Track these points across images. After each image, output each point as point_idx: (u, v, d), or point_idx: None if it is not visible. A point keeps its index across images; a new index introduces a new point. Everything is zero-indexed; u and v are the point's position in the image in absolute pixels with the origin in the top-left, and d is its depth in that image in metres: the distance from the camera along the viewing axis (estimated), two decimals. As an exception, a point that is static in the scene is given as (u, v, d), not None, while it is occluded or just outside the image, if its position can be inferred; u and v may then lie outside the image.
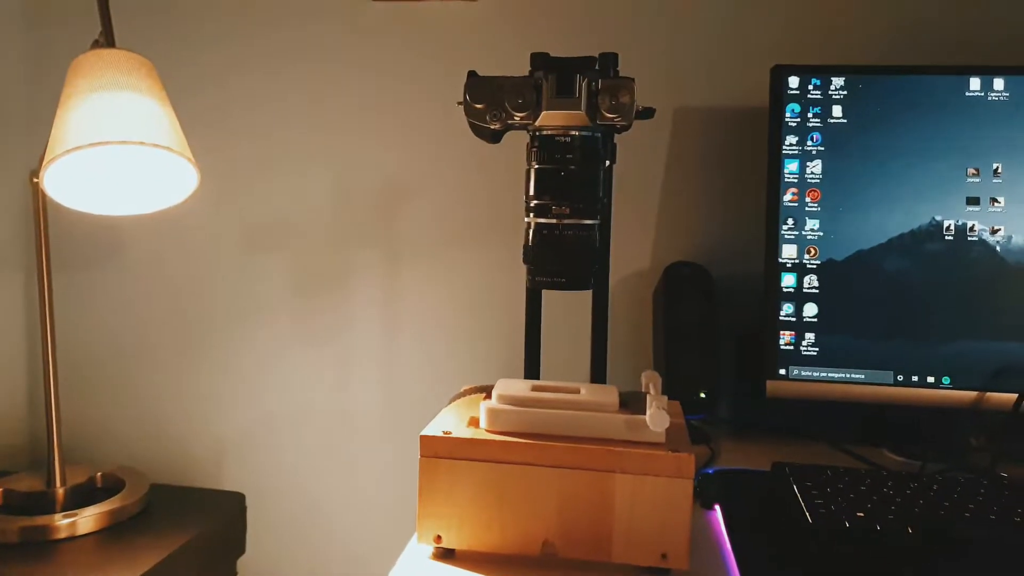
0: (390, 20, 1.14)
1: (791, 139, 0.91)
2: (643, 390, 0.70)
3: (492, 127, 0.68)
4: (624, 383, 0.73)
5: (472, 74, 0.68)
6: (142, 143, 0.86)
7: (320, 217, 1.18)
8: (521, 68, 0.70)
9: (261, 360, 1.21)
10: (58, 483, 1.05)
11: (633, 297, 1.11)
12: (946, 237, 0.89)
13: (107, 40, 0.94)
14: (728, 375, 1.03)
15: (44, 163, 0.88)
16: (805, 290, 0.91)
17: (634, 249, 1.11)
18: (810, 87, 0.91)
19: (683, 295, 1.00)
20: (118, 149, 0.88)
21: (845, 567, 0.64)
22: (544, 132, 0.67)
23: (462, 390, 0.78)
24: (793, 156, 0.91)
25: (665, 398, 0.67)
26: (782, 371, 0.91)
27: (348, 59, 1.16)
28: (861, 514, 0.69)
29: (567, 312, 0.84)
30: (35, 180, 0.99)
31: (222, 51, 1.19)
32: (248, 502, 1.14)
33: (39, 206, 1.03)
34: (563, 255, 0.68)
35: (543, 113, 0.66)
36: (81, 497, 1.05)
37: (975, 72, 0.89)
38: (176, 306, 1.22)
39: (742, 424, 1.02)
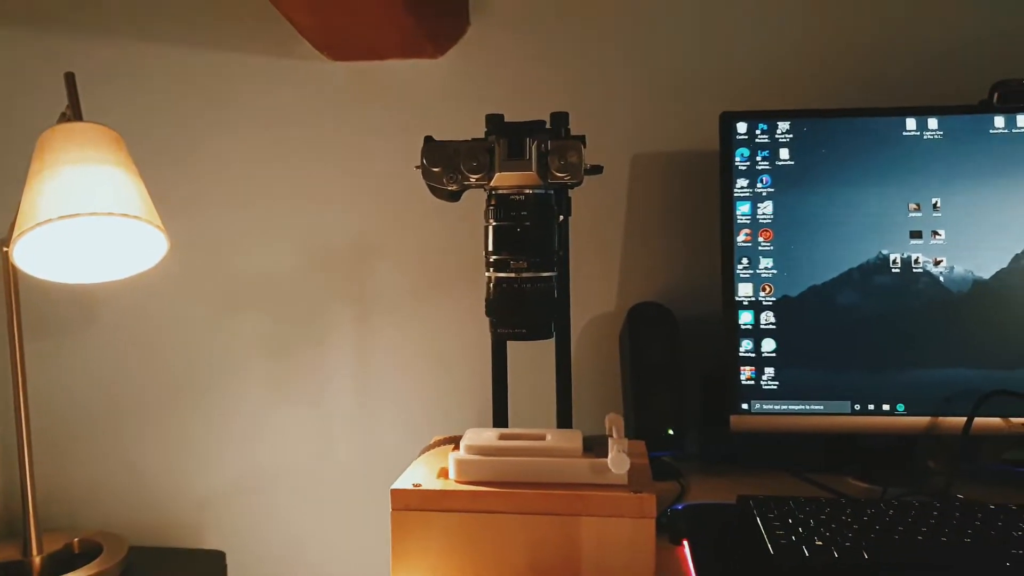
0: (352, 81, 1.17)
1: (741, 182, 0.95)
2: (606, 433, 0.73)
3: (449, 188, 0.71)
4: (595, 423, 0.76)
5: (428, 139, 0.71)
6: (111, 214, 0.88)
7: (291, 276, 1.20)
8: (481, 125, 0.73)
9: (238, 419, 1.22)
10: (34, 552, 1.05)
11: (600, 339, 1.14)
12: (893, 270, 0.93)
13: (74, 114, 0.96)
14: (696, 411, 1.06)
15: (14, 236, 0.90)
16: (762, 326, 0.94)
17: (599, 292, 1.14)
18: (757, 131, 0.95)
19: (647, 335, 1.03)
20: (88, 220, 0.90)
21: (807, 596, 0.66)
22: (499, 191, 0.70)
23: (432, 441, 0.80)
24: (745, 198, 0.95)
25: (626, 441, 0.70)
26: (744, 406, 0.94)
27: (313, 121, 1.19)
28: (820, 543, 0.72)
29: (534, 359, 0.86)
30: (4, 250, 1.00)
31: (187, 119, 1.21)
32: (228, 559, 1.14)
33: (9, 276, 1.04)
34: (523, 307, 0.71)
35: (497, 174, 0.69)
36: (59, 564, 1.05)
37: (911, 113, 0.93)
38: (151, 370, 1.23)
39: (711, 459, 1.04)
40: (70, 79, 0.97)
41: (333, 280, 1.19)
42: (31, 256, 0.96)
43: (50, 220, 0.88)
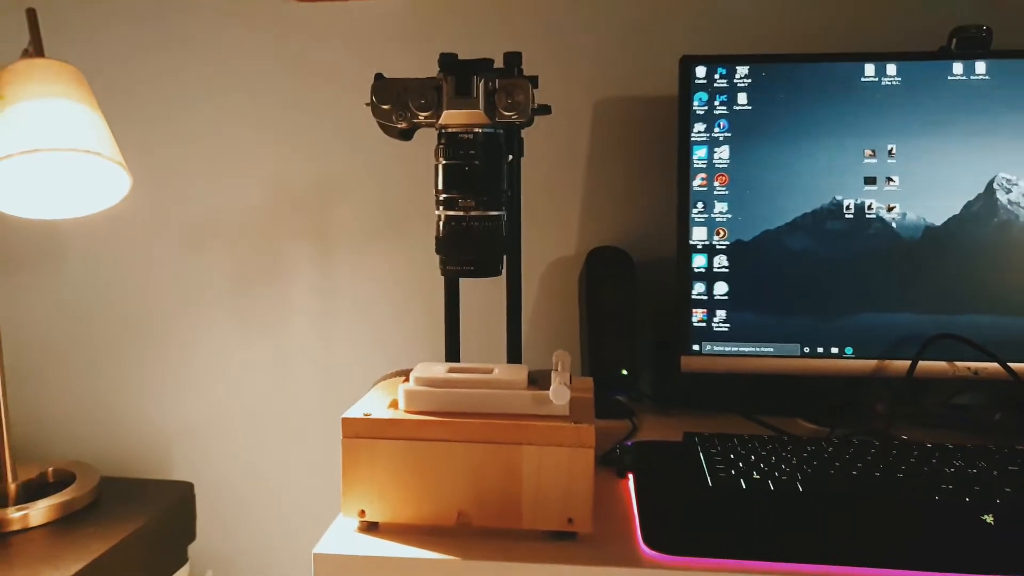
0: (313, 20, 1.17)
1: (699, 127, 0.96)
2: (552, 368, 0.75)
3: (399, 126, 0.72)
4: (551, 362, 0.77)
5: (378, 76, 0.72)
6: (73, 149, 0.89)
7: (253, 214, 1.21)
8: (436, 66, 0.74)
9: (203, 353, 1.24)
10: (9, 479, 1.07)
11: (561, 281, 1.16)
12: (846, 215, 0.94)
13: (36, 50, 0.96)
14: (651, 353, 1.08)
15: (-23, 171, 0.91)
16: (715, 270, 0.96)
17: (561, 236, 1.16)
18: (716, 76, 0.96)
19: (605, 278, 1.05)
20: (51, 156, 0.90)
21: (740, 525, 0.68)
22: (448, 130, 0.71)
23: (385, 375, 0.82)
24: (702, 143, 0.96)
25: (569, 375, 0.72)
26: (696, 347, 0.96)
27: (274, 60, 1.19)
28: (757, 476, 0.74)
29: (490, 298, 0.88)
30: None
31: (147, 57, 1.21)
32: (197, 491, 1.18)
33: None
34: (471, 245, 0.73)
35: (445, 112, 0.70)
36: (33, 492, 1.08)
37: (869, 59, 0.94)
38: (117, 304, 1.25)
39: (664, 399, 1.06)
40: (32, 15, 0.97)
41: (294, 218, 1.20)
42: (-4, 190, 0.97)
43: (10, 155, 0.89)
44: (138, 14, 1.20)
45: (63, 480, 1.12)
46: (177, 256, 1.23)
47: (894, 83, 0.93)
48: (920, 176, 0.93)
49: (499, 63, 0.75)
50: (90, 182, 1.01)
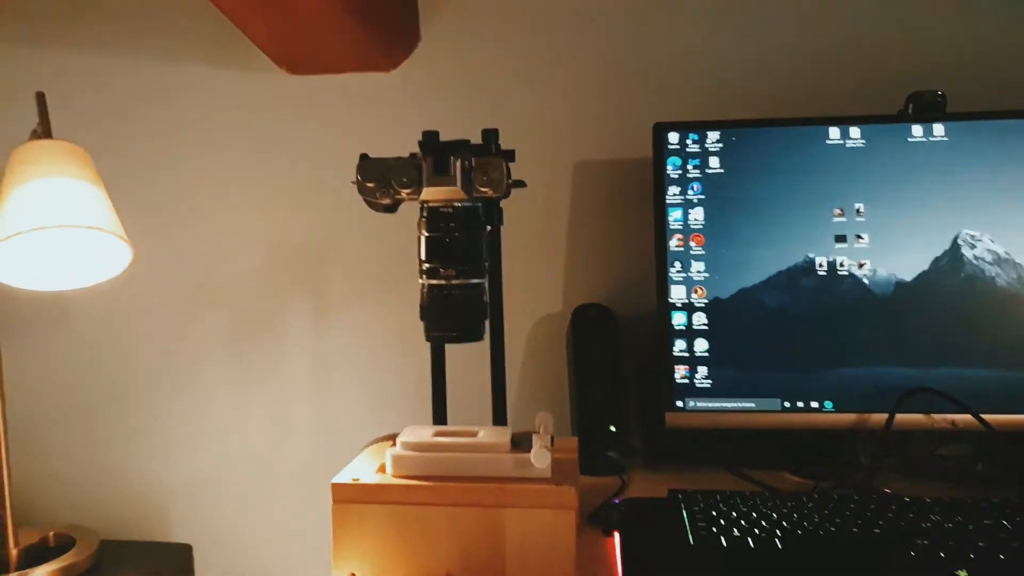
0: (309, 93, 1.22)
1: (674, 190, 1.00)
2: (535, 430, 0.78)
3: (383, 202, 0.76)
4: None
5: (363, 156, 0.76)
6: (77, 226, 0.93)
7: (250, 280, 1.24)
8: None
9: (202, 416, 1.27)
10: (11, 544, 1.09)
11: (548, 339, 1.18)
12: (819, 272, 0.97)
13: (44, 131, 1.01)
14: (638, 408, 1.10)
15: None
16: (695, 327, 0.99)
17: (547, 294, 1.19)
18: (688, 141, 1.00)
19: (589, 335, 1.08)
20: (56, 232, 0.94)
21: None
22: (429, 204, 0.75)
23: (375, 438, 0.85)
24: (677, 205, 1.00)
25: (550, 436, 0.75)
26: (679, 403, 0.98)
27: (271, 132, 1.24)
28: (738, 533, 0.76)
29: (476, 359, 0.91)
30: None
31: (151, 132, 1.26)
32: (195, 552, 1.19)
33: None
34: (453, 312, 0.76)
35: (425, 189, 0.74)
36: (35, 557, 1.09)
37: (833, 122, 0.98)
38: (118, 370, 1.28)
39: (653, 455, 1.08)
40: (41, 99, 1.02)
41: (288, 284, 1.24)
42: (5, 264, 1.01)
43: (20, 232, 0.93)
44: (140, 90, 1.26)
45: (64, 544, 1.13)
46: (175, 320, 1.26)
47: (858, 145, 0.97)
48: (888, 233, 0.96)
49: (478, 134, 0.79)
50: (93, 254, 1.05)
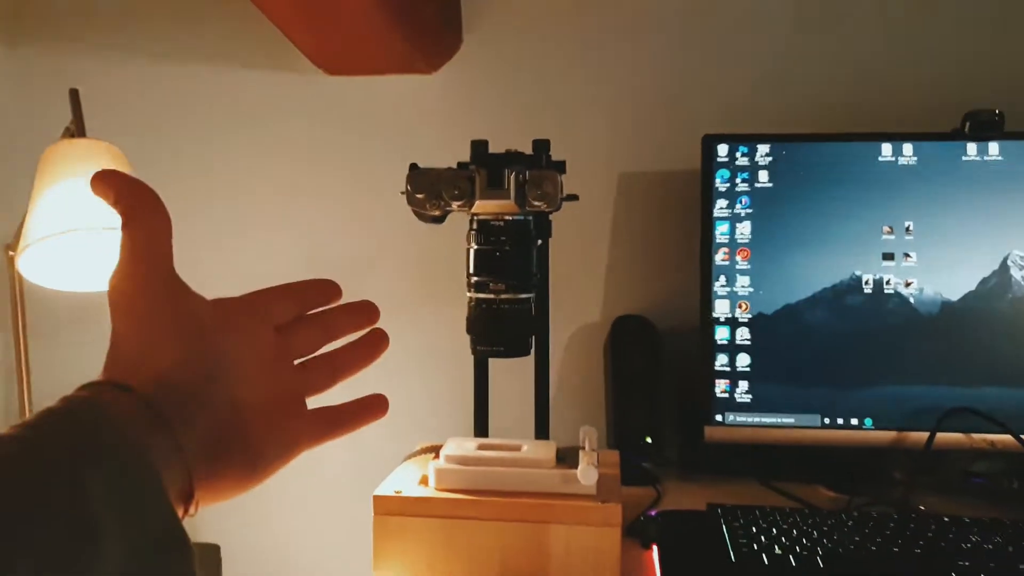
0: (349, 95, 1.21)
1: (721, 203, 0.99)
2: (579, 445, 0.77)
3: (432, 214, 0.75)
4: (577, 429, 0.80)
5: (413, 167, 0.75)
6: (109, 228, 0.92)
7: (286, 281, 1.24)
8: (470, 141, 0.77)
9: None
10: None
11: (587, 349, 1.18)
12: (865, 290, 0.96)
13: (78, 129, 1.00)
14: (675, 419, 1.10)
15: (19, 248, 0.95)
16: (738, 342, 0.98)
17: (587, 304, 1.18)
18: (738, 154, 0.99)
19: (629, 346, 1.07)
20: (87, 233, 0.94)
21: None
22: (480, 217, 0.75)
23: (416, 448, 0.85)
24: (724, 219, 0.99)
25: (596, 453, 0.75)
26: (718, 417, 0.98)
27: (310, 134, 1.23)
28: (779, 551, 0.76)
29: (520, 370, 0.90)
30: (11, 253, 1.05)
31: (189, 133, 1.25)
32: (223, 553, 1.20)
33: (15, 284, 1.10)
34: (501, 327, 0.75)
35: (477, 202, 0.73)
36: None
37: (887, 139, 0.96)
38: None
39: (688, 466, 1.08)
40: (74, 96, 1.01)
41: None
42: (36, 265, 1.00)
43: (50, 236, 0.93)
44: (178, 91, 1.25)
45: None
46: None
47: (910, 163, 0.96)
48: (936, 253, 0.95)
49: (526, 143, 0.78)
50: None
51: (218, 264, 1.26)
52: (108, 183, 0.45)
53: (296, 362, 0.50)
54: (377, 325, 0.54)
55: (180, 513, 0.40)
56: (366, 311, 0.54)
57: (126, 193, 0.45)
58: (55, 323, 1.28)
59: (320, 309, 0.52)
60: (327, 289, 0.53)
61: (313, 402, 0.51)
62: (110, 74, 1.26)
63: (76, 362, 1.28)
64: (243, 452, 0.44)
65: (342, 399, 0.52)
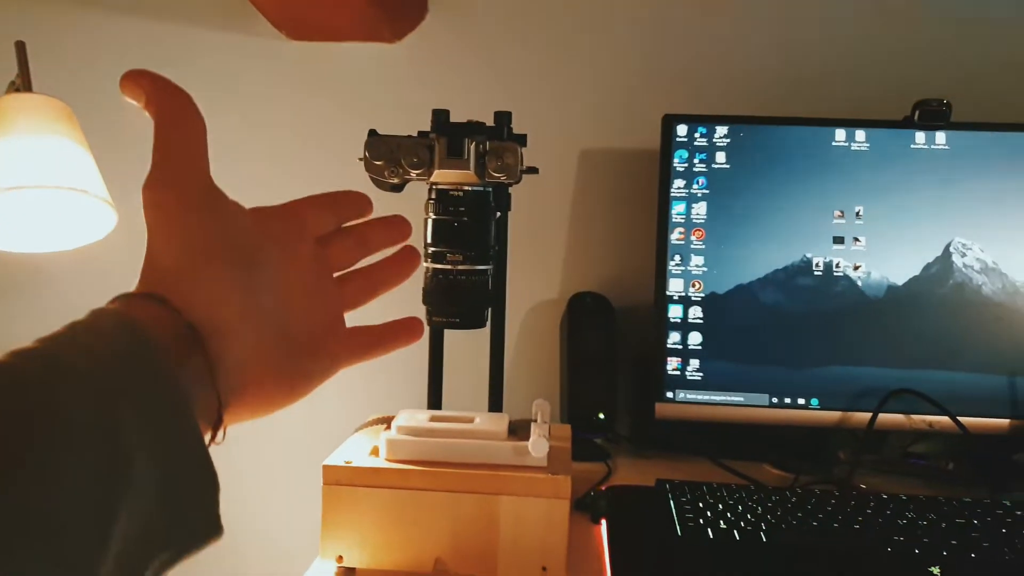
0: (309, 60, 1.19)
1: (679, 183, 1.00)
2: (532, 418, 0.78)
3: (391, 181, 0.74)
4: (531, 404, 0.80)
5: (372, 132, 0.74)
6: (59, 187, 0.90)
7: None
8: (428, 114, 0.77)
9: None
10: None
11: (543, 325, 1.18)
12: (815, 272, 0.98)
13: (24, 83, 0.96)
14: (628, 396, 1.11)
15: (-39, 206, 0.92)
16: (690, 320, 0.99)
17: (544, 280, 1.18)
18: (697, 135, 1.00)
19: (585, 323, 1.08)
20: (35, 192, 0.91)
21: (708, 573, 0.71)
22: (439, 187, 0.74)
23: (368, 420, 0.84)
24: (680, 198, 1.00)
25: (548, 426, 0.75)
26: (669, 394, 0.99)
27: (267, 98, 1.20)
28: (724, 525, 0.78)
29: (474, 344, 0.90)
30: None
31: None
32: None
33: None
34: (457, 298, 0.75)
35: (436, 171, 0.72)
36: None
37: (840, 124, 0.98)
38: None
39: (640, 443, 1.09)
40: (20, 48, 0.97)
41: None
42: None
43: (-3, 192, 0.89)
44: (131, 47, 1.21)
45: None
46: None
47: (862, 148, 0.98)
48: (885, 237, 0.97)
49: (488, 115, 0.78)
50: (76, 217, 1.01)
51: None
52: (139, 83, 0.43)
53: (335, 275, 0.48)
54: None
55: (208, 439, 0.38)
56: (400, 226, 0.53)
57: (159, 94, 0.43)
58: (2, 287, 1.25)
59: (355, 222, 0.51)
60: (361, 201, 0.52)
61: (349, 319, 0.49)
62: (59, 27, 1.21)
63: (17, 325, 1.25)
64: (282, 370, 0.43)
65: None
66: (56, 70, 1.09)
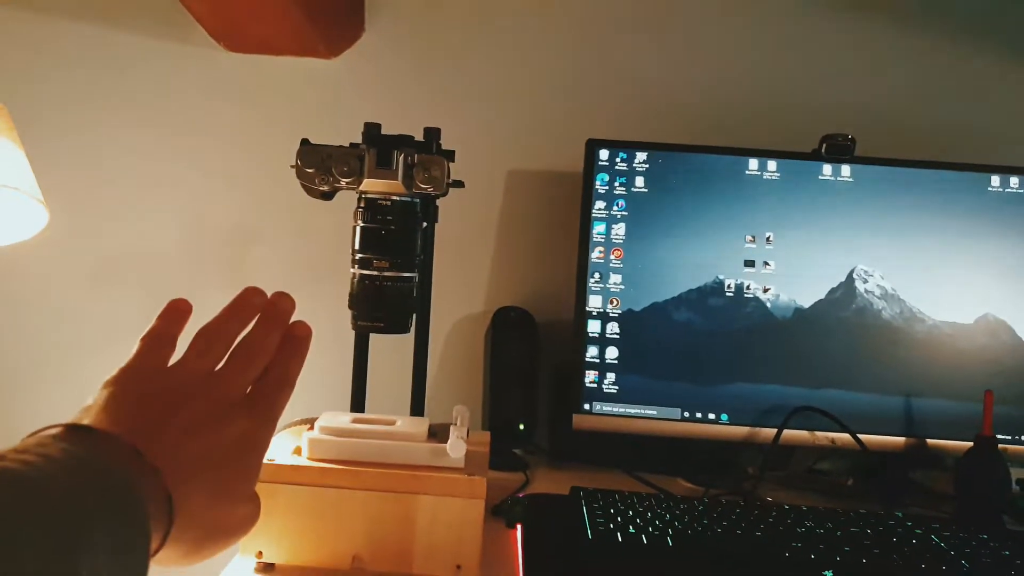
0: (245, 72, 1.21)
1: (599, 204, 1.04)
2: (452, 422, 0.80)
3: (321, 189, 0.77)
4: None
5: (304, 141, 0.77)
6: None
7: (169, 257, 1.22)
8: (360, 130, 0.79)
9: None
10: None
11: (468, 338, 1.21)
12: (727, 294, 1.04)
13: (-40, 82, 0.97)
14: (549, 408, 1.14)
15: None
16: (608, 335, 1.04)
17: (470, 294, 1.22)
18: (618, 159, 1.05)
19: (507, 336, 1.11)
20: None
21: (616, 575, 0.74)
22: (368, 196, 0.76)
23: (292, 421, 0.85)
24: (601, 219, 1.04)
25: (467, 428, 0.77)
26: (587, 406, 1.03)
27: (202, 108, 1.22)
28: (633, 530, 0.81)
29: (398, 352, 0.92)
30: None
31: (77, 94, 1.22)
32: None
33: None
34: (382, 303, 0.77)
35: (365, 180, 0.75)
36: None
37: (753, 154, 1.04)
38: (21, 342, 1.23)
39: (557, 455, 1.12)
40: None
41: (209, 263, 1.22)
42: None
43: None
44: (68, 50, 1.21)
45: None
46: (85, 295, 1.22)
47: (773, 177, 1.04)
48: (793, 262, 1.03)
49: (420, 132, 0.81)
50: (3, 215, 1.01)
51: (93, 232, 1.22)
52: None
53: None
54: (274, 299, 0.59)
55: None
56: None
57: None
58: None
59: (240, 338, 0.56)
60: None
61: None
62: (-3, 28, 1.21)
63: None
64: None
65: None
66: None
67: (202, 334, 0.56)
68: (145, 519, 0.40)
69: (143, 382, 0.51)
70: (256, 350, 0.56)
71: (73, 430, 0.44)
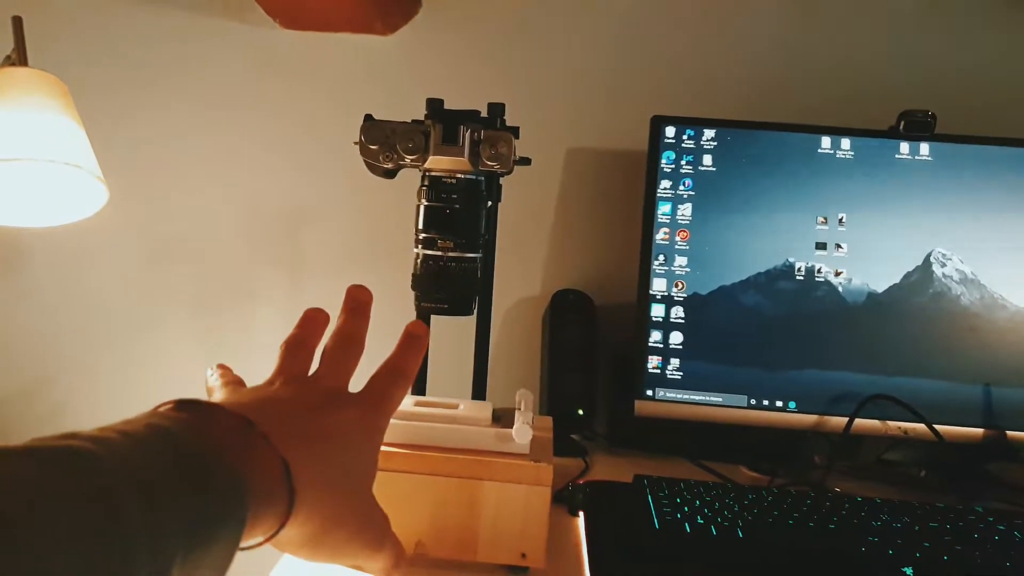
0: (302, 49, 1.20)
1: (665, 184, 1.01)
2: (515, 407, 0.78)
3: (385, 166, 0.75)
4: (513, 395, 0.81)
5: (368, 117, 0.75)
6: (52, 161, 0.90)
7: (227, 236, 1.22)
8: (422, 105, 0.77)
9: (164, 374, 1.24)
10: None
11: (525, 320, 1.19)
12: (797, 277, 1.00)
13: (20, 58, 0.96)
14: (607, 394, 1.12)
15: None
16: (672, 320, 1.01)
17: (528, 276, 1.19)
18: (684, 137, 1.01)
19: (567, 320, 1.09)
20: (26, 165, 0.91)
21: (683, 567, 0.72)
22: (433, 173, 0.74)
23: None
24: (666, 199, 1.01)
25: (531, 414, 0.75)
26: (649, 392, 1.00)
27: (259, 86, 1.21)
28: (701, 521, 0.78)
29: (459, 334, 0.91)
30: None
31: (135, 74, 1.22)
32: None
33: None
34: (446, 284, 0.75)
35: (431, 157, 0.73)
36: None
37: (826, 132, 1.00)
38: (79, 319, 1.24)
39: (616, 441, 1.10)
40: (17, 23, 0.98)
41: (267, 243, 1.22)
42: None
43: (-11, 162, 0.89)
44: (126, 30, 1.21)
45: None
46: (143, 273, 1.23)
47: (847, 156, 1.00)
48: (866, 245, 0.99)
49: (479, 109, 0.78)
50: (65, 193, 1.01)
51: (152, 211, 1.23)
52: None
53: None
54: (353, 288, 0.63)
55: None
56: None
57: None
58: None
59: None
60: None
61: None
62: (56, 5, 1.21)
63: (4, 300, 1.24)
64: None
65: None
66: (52, 47, 1.08)
67: (286, 345, 0.59)
68: (230, 487, 0.38)
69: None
70: (347, 341, 0.58)
71: (180, 405, 0.44)
